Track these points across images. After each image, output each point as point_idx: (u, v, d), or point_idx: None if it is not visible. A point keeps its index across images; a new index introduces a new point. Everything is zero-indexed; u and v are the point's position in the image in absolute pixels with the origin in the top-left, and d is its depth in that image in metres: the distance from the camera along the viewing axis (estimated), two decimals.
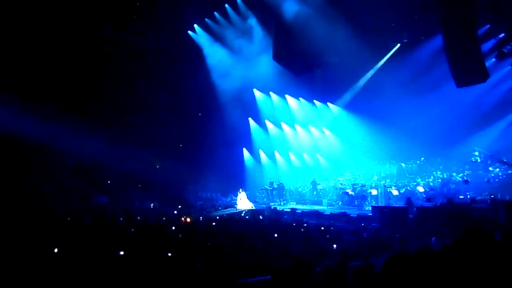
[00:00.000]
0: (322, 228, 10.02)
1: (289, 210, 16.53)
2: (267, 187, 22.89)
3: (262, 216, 14.75)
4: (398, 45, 22.21)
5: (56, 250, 6.27)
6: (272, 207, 18.19)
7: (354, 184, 19.48)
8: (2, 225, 9.83)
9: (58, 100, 18.99)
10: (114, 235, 8.29)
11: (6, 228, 9.21)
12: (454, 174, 18.26)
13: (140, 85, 22.15)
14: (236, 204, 19.67)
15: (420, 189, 17.32)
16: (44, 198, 16.85)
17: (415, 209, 11.90)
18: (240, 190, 20.06)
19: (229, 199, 23.33)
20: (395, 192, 17.33)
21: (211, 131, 24.28)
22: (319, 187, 22.15)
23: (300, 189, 23.45)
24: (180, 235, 8.57)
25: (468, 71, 11.34)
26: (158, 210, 17.72)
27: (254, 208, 19.00)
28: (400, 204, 15.04)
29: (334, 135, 25.19)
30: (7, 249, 6.22)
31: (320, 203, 20.35)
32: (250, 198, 20.37)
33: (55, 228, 9.37)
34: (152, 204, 19.54)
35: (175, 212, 15.88)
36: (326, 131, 25.62)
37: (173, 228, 10.15)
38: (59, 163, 19.60)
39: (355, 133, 23.78)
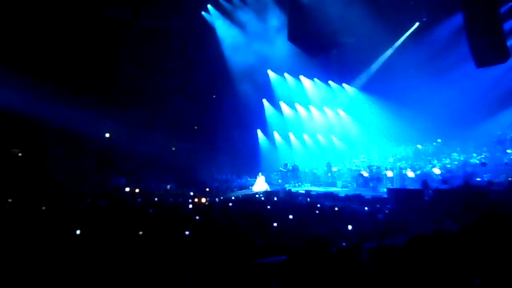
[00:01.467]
0: (337, 209, 10.05)
1: (303, 192, 16.62)
2: (282, 169, 22.98)
3: (277, 198, 14.90)
4: (417, 24, 21.60)
5: (78, 232, 6.41)
6: (287, 189, 18.30)
7: (369, 166, 19.36)
8: (22, 208, 10.01)
9: (74, 83, 19.31)
10: (133, 216, 8.50)
11: (27, 212, 9.38)
12: (475, 155, 17.89)
13: (154, 67, 22.24)
14: (252, 186, 19.94)
15: (437, 171, 17.08)
16: (64, 181, 17.20)
17: (430, 191, 11.77)
18: (260, 174, 20.40)
19: (244, 180, 23.56)
20: (410, 174, 17.17)
21: (225, 113, 24.33)
22: (334, 169, 22.12)
23: (315, 171, 23.49)
24: (197, 217, 8.72)
25: (489, 51, 10.95)
26: (175, 191, 18.05)
27: (269, 189, 19.16)
28: (416, 186, 14.88)
29: (349, 117, 24.95)
30: (28, 233, 6.31)
31: (335, 185, 20.35)
32: (265, 180, 20.57)
33: (75, 211, 9.60)
34: (168, 186, 19.87)
35: (191, 193, 16.14)
36: (341, 113, 25.36)
37: (190, 207, 10.35)
38: (78, 146, 19.97)
39: (371, 114, 23.49)
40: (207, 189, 19.18)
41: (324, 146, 25.80)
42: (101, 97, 20.23)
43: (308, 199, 13.60)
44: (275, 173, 23.88)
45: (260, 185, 19.68)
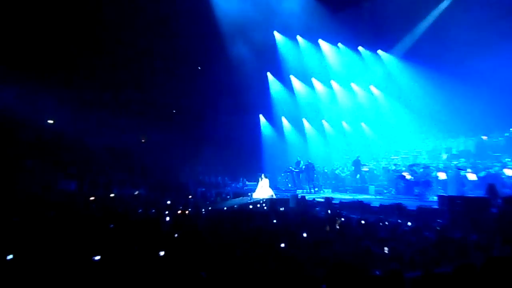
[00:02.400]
0: (368, 224, 10.10)
1: (322, 200, 16.70)
2: (292, 169, 23.16)
3: (285, 208, 15.02)
4: None
5: (10, 257, 6.33)
6: (299, 195, 18.39)
7: (414, 165, 19.43)
8: None
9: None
10: (87, 234, 8.49)
11: None
12: None
13: (113, 23, 21.80)
14: (252, 192, 20.03)
15: (509, 172, 17.13)
16: None
17: (500, 200, 11.75)
18: (262, 176, 20.43)
19: (240, 184, 23.88)
20: (472, 177, 17.17)
21: (215, 92, 24.60)
22: (364, 169, 22.30)
23: (337, 172, 23.68)
24: (175, 234, 8.73)
25: None
26: (145, 199, 18.08)
27: (274, 196, 19.27)
28: (480, 193, 14.88)
29: (386, 96, 25.00)
30: None
31: (366, 191, 20.61)
32: (270, 184, 20.67)
33: (8, 226, 9.53)
34: (136, 191, 19.93)
35: (168, 202, 16.20)
36: (375, 90, 25.46)
37: (166, 221, 10.36)
38: (8, 136, 19.62)
39: (416, 93, 23.51)
40: (190, 197, 19.30)
41: (351, 137, 26.02)
42: (41, 71, 19.92)
43: (329, 211, 13.65)
44: (283, 174, 24.05)
45: (262, 190, 19.73)
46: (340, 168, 24.20)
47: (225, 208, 14.32)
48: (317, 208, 15.51)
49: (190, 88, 24.98)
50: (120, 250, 7.20)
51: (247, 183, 23.61)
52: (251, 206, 16.01)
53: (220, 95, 24.73)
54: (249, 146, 25.52)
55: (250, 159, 24.75)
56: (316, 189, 22.35)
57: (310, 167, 22.82)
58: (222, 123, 24.86)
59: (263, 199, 18.52)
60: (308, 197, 18.38)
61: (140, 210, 13.58)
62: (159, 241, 7.68)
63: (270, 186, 20.47)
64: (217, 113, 24.93)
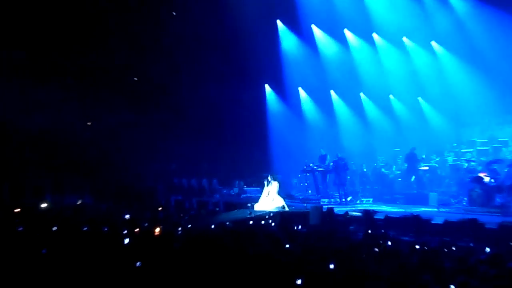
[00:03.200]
0: (427, 250, 10.14)
1: (359, 214, 16.97)
2: (314, 167, 23.17)
3: (302, 226, 15.14)
4: None
5: None
6: (325, 207, 18.46)
7: (496, 162, 19.40)
8: None
9: None
10: (11, 260, 8.57)
11: None
12: None
13: None
14: (254, 202, 20.10)
15: None
16: None
17: None
18: (269, 178, 20.41)
19: (235, 190, 24.36)
20: None
21: (197, 50, 25.02)
22: (422, 167, 22.45)
23: (382, 170, 23.80)
24: (137, 262, 8.75)
25: None
26: (94, 211, 18.18)
27: (287, 209, 19.39)
28: None
29: (454, 58, 24.97)
30: None
31: (424, 201, 20.65)
32: (280, 189, 20.69)
33: None
34: (80, 200, 19.99)
35: (127, 216, 16.22)
36: (438, 49, 25.38)
37: (124, 244, 10.42)
38: None
39: (500, 53, 23.45)
40: (160, 208, 19.45)
41: (403, 120, 26.12)
42: None
43: (369, 231, 13.71)
44: (300, 175, 24.24)
45: (269, 200, 19.75)
46: (387, 166, 24.21)
47: (212, 226, 14.34)
48: (352, 227, 15.67)
49: (159, 44, 25.21)
50: (56, 284, 7.28)
51: (245, 188, 23.88)
52: (251, 222, 16.11)
53: (204, 55, 24.95)
54: (249, 132, 25.83)
55: (250, 152, 25.09)
56: (349, 197, 22.42)
57: (341, 165, 22.79)
58: (208, 99, 25.30)
59: (270, 212, 18.60)
60: (338, 209, 18.39)
61: (86, 228, 13.61)
62: (113, 274, 7.71)
63: (281, 194, 20.44)
64: (200, 83, 25.25)
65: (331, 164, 23.08)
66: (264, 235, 12.86)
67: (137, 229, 13.43)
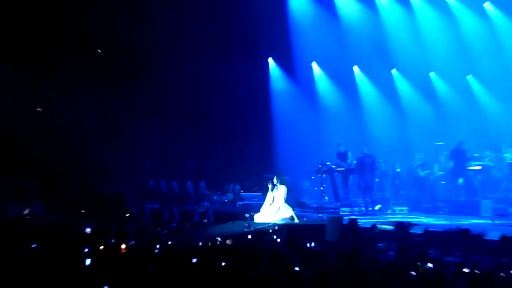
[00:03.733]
0: (479, 274, 10.21)
1: (390, 227, 17.02)
2: (332, 166, 23.22)
3: (317, 243, 15.06)
4: None
5: None
6: (346, 218, 18.56)
7: None
8: None
9: None
10: None
11: None
12: None
13: None
14: (254, 213, 20.19)
15: None
16: None
17: None
18: (274, 180, 20.38)
19: (229, 196, 24.39)
20: None
21: (182, 12, 25.13)
22: (473, 167, 22.52)
23: (421, 173, 23.76)
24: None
25: None
26: (44, 223, 18.27)
27: (297, 221, 19.49)
28: None
29: None
30: None
31: (475, 210, 20.77)
32: (287, 196, 20.75)
33: None
34: (27, 210, 20.06)
35: (88, 230, 16.30)
36: (493, 12, 25.37)
37: (86, 266, 10.57)
38: None
39: None
40: (129, 217, 19.62)
41: (448, 105, 26.50)
42: None
43: (404, 249, 13.81)
44: (313, 177, 24.12)
45: (273, 209, 19.76)
46: (426, 166, 24.28)
47: (200, 243, 14.48)
48: (381, 244, 15.79)
49: (129, 5, 25.43)
50: None
51: (242, 194, 24.03)
52: (250, 237, 16.34)
53: (189, 19, 25.30)
54: (247, 121, 26.17)
55: (248, 146, 25.40)
56: (378, 206, 22.52)
57: (367, 164, 22.81)
58: (193, 77, 25.52)
59: (274, 225, 18.71)
60: (363, 221, 18.57)
61: (35, 245, 13.75)
62: None
63: (289, 201, 20.50)
64: (183, 56, 25.39)
65: (354, 162, 23.19)
66: (267, 254, 12.93)
67: (102, 247, 13.54)
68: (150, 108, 25.68)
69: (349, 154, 23.58)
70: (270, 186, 20.22)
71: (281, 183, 20.07)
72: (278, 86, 27.45)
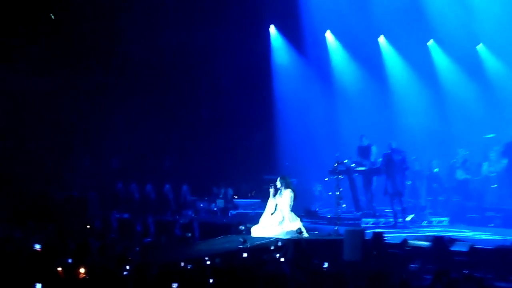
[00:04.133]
0: None
1: (426, 243, 16.86)
2: (351, 165, 23.10)
3: (330, 265, 14.92)
4: None
5: None
6: (369, 231, 18.45)
7: None
8: None
9: None
10: None
11: None
12: None
13: None
14: (250, 225, 19.83)
15: None
16: None
17: None
18: (278, 183, 20.06)
19: (219, 203, 24.35)
20: None
21: None
22: None
23: (464, 172, 23.67)
24: None
25: None
26: None
27: (305, 234, 19.11)
28: None
29: None
30: None
31: None
32: (296, 203, 20.44)
33: None
34: None
35: (37, 246, 16.04)
36: None
37: None
38: None
39: None
40: (88, 227, 19.39)
41: (499, 85, 26.42)
42: None
43: (444, 274, 13.44)
44: (327, 179, 23.96)
45: (276, 220, 19.58)
46: (471, 166, 24.04)
47: (181, 265, 14.11)
48: (414, 266, 15.52)
49: None
50: None
51: (236, 200, 23.99)
52: (245, 255, 16.09)
53: None
54: (242, 106, 26.00)
55: (244, 140, 25.45)
56: (410, 216, 22.45)
57: (396, 162, 22.61)
58: (173, 48, 25.48)
59: (277, 240, 18.39)
60: (391, 236, 18.56)
61: None
62: None
63: (296, 209, 20.25)
64: (159, 23, 25.40)
65: (380, 160, 23.03)
66: (267, 278, 12.67)
67: (60, 268, 13.26)
68: (118, 91, 25.47)
69: (373, 149, 23.42)
70: (271, 190, 20.04)
71: (286, 187, 19.90)
72: (281, 62, 27.24)
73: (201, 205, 24.34)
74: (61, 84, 24.87)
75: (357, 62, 27.48)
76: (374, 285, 11.99)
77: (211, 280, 11.86)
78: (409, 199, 23.10)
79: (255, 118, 25.96)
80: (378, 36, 27.81)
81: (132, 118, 24.94)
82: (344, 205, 22.96)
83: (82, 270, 13.10)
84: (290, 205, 19.60)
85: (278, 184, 19.84)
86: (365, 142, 23.50)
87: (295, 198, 19.66)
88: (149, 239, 19.71)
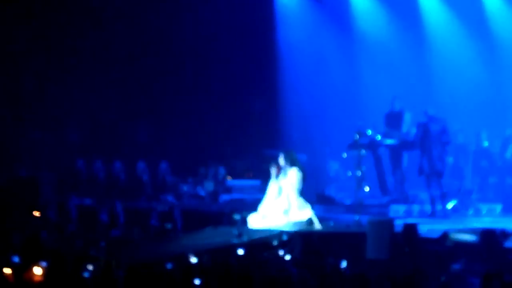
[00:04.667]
0: None
1: (473, 237, 17.00)
2: (376, 136, 23.17)
3: (350, 263, 14.97)
4: None
5: None
6: (399, 221, 18.68)
7: None
8: None
9: None
10: None
11: None
12: None
13: None
14: (247, 212, 20.07)
15: None
16: None
17: None
18: (282, 159, 20.25)
19: (209, 185, 24.53)
20: None
21: None
22: None
23: None
24: None
25: None
26: None
27: (317, 225, 19.38)
28: None
29: None
30: None
31: None
32: (306, 184, 20.71)
33: None
34: None
35: None
36: None
37: None
38: None
39: None
40: (37, 214, 19.76)
41: None
42: None
43: (497, 274, 13.75)
44: (345, 154, 24.19)
45: (280, 207, 19.80)
46: None
47: (160, 264, 14.38)
48: (456, 266, 15.54)
49: None
50: None
51: (229, 182, 24.27)
52: (241, 252, 16.32)
53: None
54: (238, 64, 26.23)
55: (238, 105, 25.62)
56: (452, 202, 22.58)
57: (433, 133, 22.71)
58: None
59: (281, 233, 18.69)
60: (428, 228, 18.68)
61: None
62: None
63: (305, 194, 20.49)
64: None
65: (414, 131, 23.12)
66: (268, 281, 12.96)
67: (8, 270, 13.54)
68: (77, 44, 25.41)
69: (407, 116, 23.48)
70: (273, 170, 20.19)
71: (292, 165, 20.06)
72: (287, 2, 27.06)
73: (185, 188, 24.34)
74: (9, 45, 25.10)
75: (384, 4, 27.68)
76: None
77: (197, 282, 12.00)
78: (451, 180, 23.18)
79: (253, 76, 25.97)
80: None
81: (97, 79, 24.98)
82: (367, 188, 23.28)
83: (38, 272, 13.44)
84: (297, 188, 19.84)
85: (281, 161, 20.04)
86: (397, 107, 23.80)
87: (304, 180, 19.88)
88: (118, 232, 19.84)
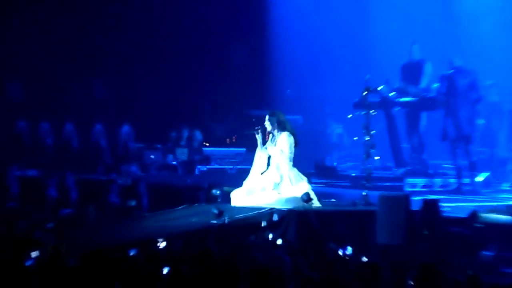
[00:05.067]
0: None
1: (506, 217, 17.02)
2: (389, 94, 23.11)
3: (355, 248, 14.99)
4: None
5: None
6: (416, 197, 18.50)
7: None
8: None
9: None
10: None
11: None
12: None
13: None
14: (230, 188, 20.02)
15: None
16: None
17: None
18: (268, 122, 20.11)
19: (182, 152, 24.56)
20: None
21: None
22: None
23: None
24: None
25: None
26: None
27: (314, 201, 19.30)
28: None
29: None
30: None
31: None
32: (302, 154, 20.65)
33: None
34: None
35: None
36: None
37: None
38: None
39: None
40: None
41: None
42: None
43: None
44: (350, 115, 24.08)
45: (269, 183, 19.73)
46: None
47: (120, 251, 14.31)
48: (488, 253, 15.63)
49: None
50: None
51: (206, 149, 24.27)
52: (220, 234, 16.27)
53: None
54: (215, 3, 26.04)
55: (218, 54, 25.69)
56: (482, 175, 22.43)
57: (460, 88, 22.67)
58: None
59: (270, 211, 18.63)
60: (453, 206, 18.74)
61: None
62: None
63: (300, 164, 20.42)
64: None
65: (436, 86, 22.98)
66: (255, 271, 12.90)
67: None
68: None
69: (427, 67, 23.26)
70: (259, 135, 20.04)
71: (281, 129, 19.84)
72: None
73: (152, 156, 24.30)
74: None
75: None
76: (424, 283, 12.17)
77: (165, 271, 11.79)
78: (481, 148, 23.19)
79: (234, 18, 26.07)
80: None
81: (41, 19, 25.09)
82: (377, 157, 23.25)
83: None
84: (289, 157, 19.88)
85: (268, 125, 19.76)
86: (416, 56, 23.80)
87: (296, 146, 19.93)
88: (69, 210, 19.81)
